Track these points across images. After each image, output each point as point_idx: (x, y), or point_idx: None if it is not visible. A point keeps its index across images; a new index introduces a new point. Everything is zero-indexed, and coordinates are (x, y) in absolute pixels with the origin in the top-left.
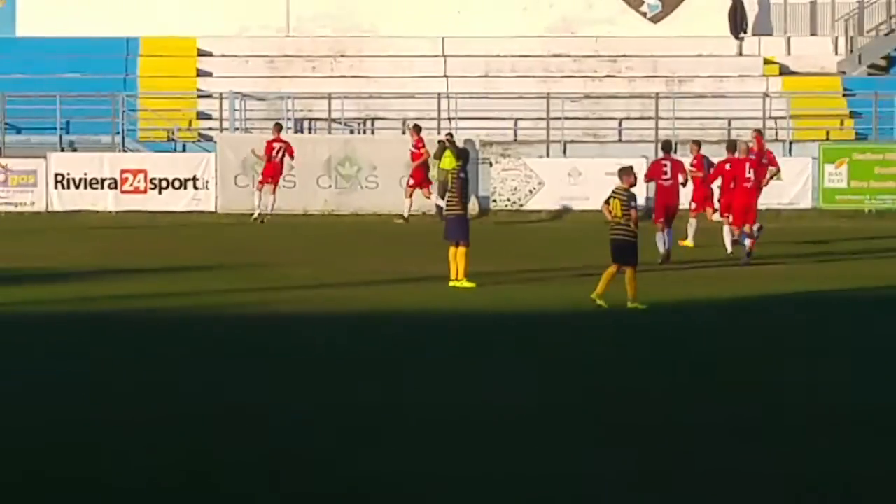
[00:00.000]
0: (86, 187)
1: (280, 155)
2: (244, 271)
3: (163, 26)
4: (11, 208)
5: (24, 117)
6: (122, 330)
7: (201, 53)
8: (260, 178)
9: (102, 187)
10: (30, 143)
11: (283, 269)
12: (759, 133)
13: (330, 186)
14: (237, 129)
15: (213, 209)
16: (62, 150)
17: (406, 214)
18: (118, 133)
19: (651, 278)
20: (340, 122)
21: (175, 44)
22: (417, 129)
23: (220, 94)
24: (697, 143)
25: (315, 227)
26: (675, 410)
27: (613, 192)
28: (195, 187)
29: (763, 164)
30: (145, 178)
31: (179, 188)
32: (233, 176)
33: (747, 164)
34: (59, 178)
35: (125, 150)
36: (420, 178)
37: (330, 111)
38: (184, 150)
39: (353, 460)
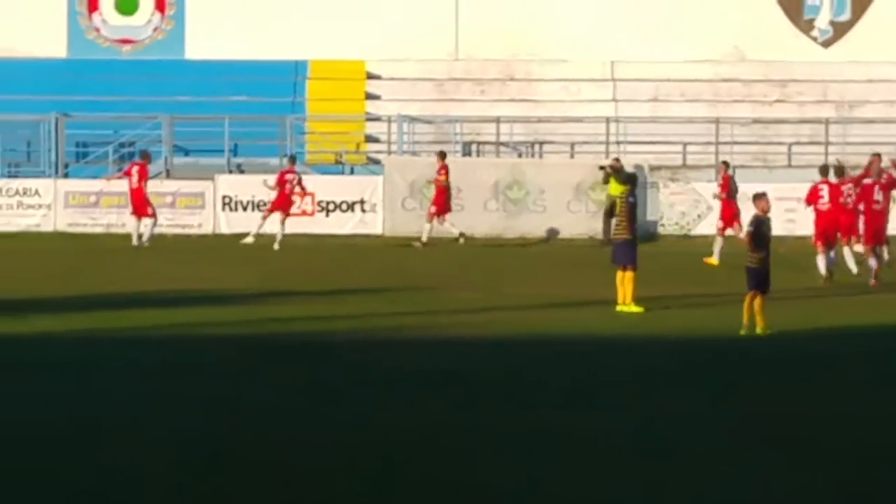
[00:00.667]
0: (253, 210)
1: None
2: (411, 295)
3: (331, 49)
4: (179, 230)
5: (193, 139)
6: (290, 353)
7: (370, 76)
8: (432, 208)
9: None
10: (198, 166)
11: (449, 292)
12: (877, 156)
13: (497, 210)
14: (405, 152)
15: (379, 232)
16: (230, 172)
17: (424, 239)
18: (285, 156)
19: (818, 305)
20: (508, 146)
21: (344, 67)
22: (443, 155)
23: (389, 117)
24: (726, 164)
25: (481, 251)
26: (863, 433)
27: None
28: (362, 210)
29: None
30: (312, 200)
31: (347, 211)
32: (400, 199)
33: (876, 187)
34: (227, 200)
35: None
36: (441, 204)
37: (498, 135)
38: (351, 174)
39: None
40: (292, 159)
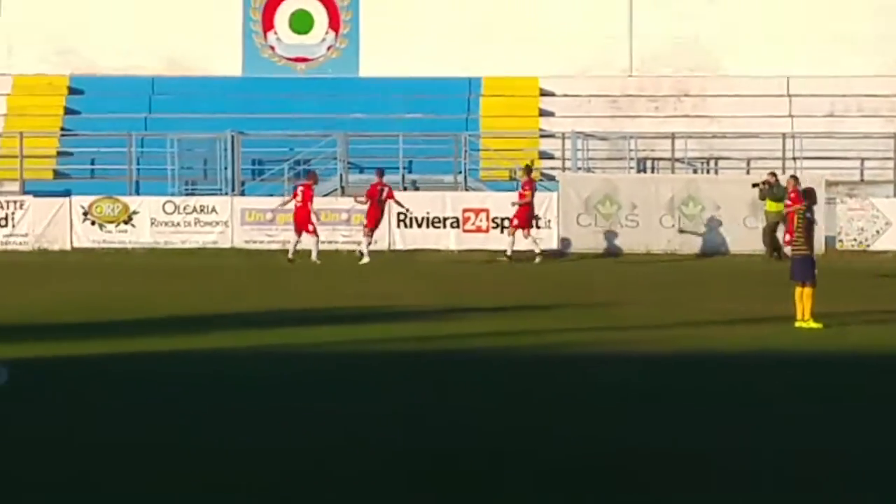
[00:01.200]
0: (428, 226)
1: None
2: (587, 310)
3: (505, 66)
4: (354, 247)
5: (367, 157)
6: (478, 368)
7: (543, 93)
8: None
9: (444, 226)
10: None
11: (626, 308)
12: None
13: (673, 226)
14: (579, 168)
15: (555, 247)
16: (404, 189)
17: (509, 252)
18: (460, 172)
19: None
20: (683, 162)
21: (517, 84)
22: (528, 170)
23: (563, 133)
24: (795, 178)
25: (658, 267)
26: None
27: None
28: (537, 226)
29: None
30: (487, 217)
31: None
32: (575, 215)
33: None
34: (401, 216)
35: (467, 190)
36: (523, 219)
37: (673, 151)
38: None
39: None
40: (381, 172)
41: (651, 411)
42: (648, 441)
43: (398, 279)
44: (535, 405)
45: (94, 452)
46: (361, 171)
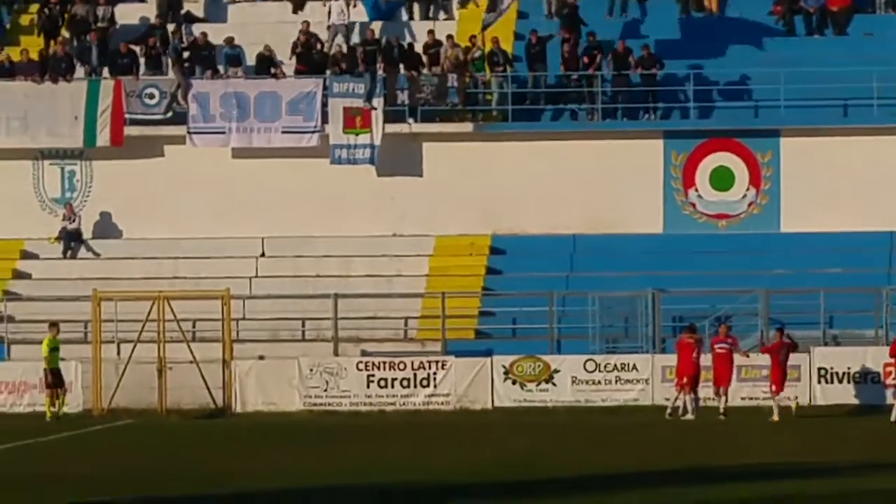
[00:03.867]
0: (848, 381)
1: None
2: None
3: None
4: (769, 403)
5: (789, 312)
6: None
7: None
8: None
9: (865, 381)
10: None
11: None
12: None
13: None
14: None
15: None
16: (825, 344)
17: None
18: (881, 327)
19: None
20: None
21: None
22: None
23: None
24: None
25: None
26: None
27: None
28: None
29: None
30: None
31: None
32: None
33: None
34: (822, 372)
35: (888, 344)
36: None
37: None
38: None
39: None
40: (691, 329)
41: None
42: None
43: (814, 436)
44: None
45: None
46: (782, 326)
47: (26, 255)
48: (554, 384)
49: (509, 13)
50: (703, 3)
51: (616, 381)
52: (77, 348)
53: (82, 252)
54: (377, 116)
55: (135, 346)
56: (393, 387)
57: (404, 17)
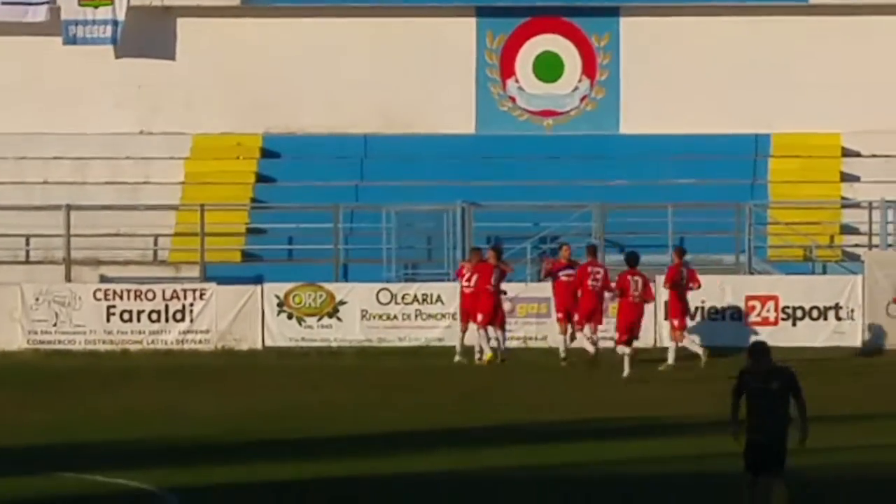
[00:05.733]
0: (702, 318)
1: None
2: None
3: (800, 120)
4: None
5: (628, 232)
6: None
7: (846, 153)
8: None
9: (724, 318)
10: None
11: None
12: None
13: None
14: (889, 245)
15: (858, 344)
16: None
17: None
18: (743, 252)
19: None
20: None
21: (814, 142)
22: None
23: (869, 203)
24: None
25: None
26: None
27: None
28: (837, 318)
29: None
30: (776, 306)
31: (818, 319)
32: (884, 304)
33: None
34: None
35: (752, 273)
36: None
37: None
38: (824, 272)
39: None
40: (592, 250)
41: None
42: None
43: (670, 383)
44: None
45: None
46: (622, 249)
47: None
48: (339, 319)
49: None
50: None
51: (416, 316)
52: None
53: None
54: None
55: None
56: (139, 321)
57: None
